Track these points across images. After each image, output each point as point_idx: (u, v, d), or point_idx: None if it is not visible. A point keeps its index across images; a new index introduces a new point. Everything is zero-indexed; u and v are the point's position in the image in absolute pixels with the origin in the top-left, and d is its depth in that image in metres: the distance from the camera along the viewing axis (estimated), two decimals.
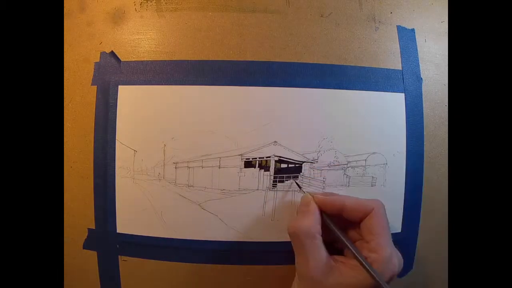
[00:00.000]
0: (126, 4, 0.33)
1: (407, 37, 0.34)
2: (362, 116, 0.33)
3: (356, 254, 0.23)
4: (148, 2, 0.33)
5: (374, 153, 0.33)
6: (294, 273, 0.33)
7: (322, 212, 0.26)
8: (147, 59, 0.32)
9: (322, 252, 0.24)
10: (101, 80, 0.33)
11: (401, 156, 0.33)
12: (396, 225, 0.33)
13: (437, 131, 0.34)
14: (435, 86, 0.34)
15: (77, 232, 0.33)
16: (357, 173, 0.32)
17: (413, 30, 0.34)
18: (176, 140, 0.32)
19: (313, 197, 0.27)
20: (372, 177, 0.33)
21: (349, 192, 0.32)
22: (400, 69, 0.33)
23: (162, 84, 0.32)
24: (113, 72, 0.32)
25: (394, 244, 0.25)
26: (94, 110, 0.33)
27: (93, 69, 0.33)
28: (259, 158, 0.32)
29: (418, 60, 0.34)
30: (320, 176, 0.32)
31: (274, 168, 0.32)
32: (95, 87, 0.33)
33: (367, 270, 0.22)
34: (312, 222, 0.25)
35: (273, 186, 0.32)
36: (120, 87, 0.32)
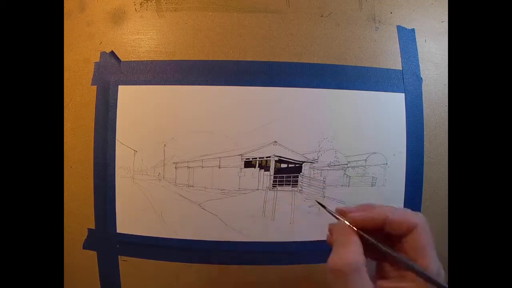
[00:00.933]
0: (126, 4, 0.33)
1: (407, 37, 0.34)
2: (362, 116, 0.33)
3: (416, 269, 0.21)
4: (148, 2, 0.33)
5: (374, 153, 0.33)
6: (294, 273, 0.33)
7: (360, 231, 0.23)
8: (147, 59, 0.32)
9: (369, 283, 0.21)
10: (101, 80, 0.33)
11: (401, 156, 0.33)
12: None
13: (437, 131, 0.34)
14: (435, 86, 0.34)
15: (77, 232, 0.33)
16: (357, 173, 0.32)
17: (413, 30, 0.34)
18: (176, 140, 0.32)
19: (345, 217, 0.23)
20: (372, 177, 0.33)
21: (349, 191, 0.32)
22: (400, 69, 0.33)
23: (162, 84, 0.32)
24: (113, 72, 0.32)
25: None
26: (94, 110, 0.33)
27: (93, 69, 0.33)
28: (259, 158, 0.32)
29: (418, 60, 0.34)
30: (320, 176, 0.32)
31: (274, 168, 0.32)
32: (95, 87, 0.33)
33: (429, 280, 0.20)
34: (356, 254, 0.21)
35: (273, 186, 0.32)
36: (120, 87, 0.32)
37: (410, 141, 0.33)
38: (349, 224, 0.23)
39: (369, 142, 0.33)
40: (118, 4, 0.33)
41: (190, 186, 0.32)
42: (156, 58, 0.32)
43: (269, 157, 0.32)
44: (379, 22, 0.33)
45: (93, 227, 0.33)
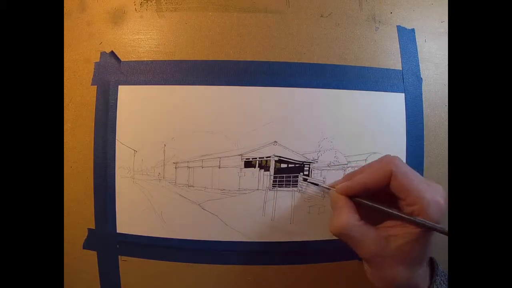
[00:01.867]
0: (126, 4, 0.33)
1: (407, 37, 0.34)
2: (362, 116, 0.33)
3: (401, 215, 0.24)
4: (148, 2, 0.33)
5: (374, 153, 0.33)
6: (294, 273, 0.34)
7: (351, 197, 0.26)
8: (147, 59, 0.32)
9: (371, 232, 0.25)
10: (101, 80, 0.33)
11: (401, 156, 0.33)
12: None
13: (437, 131, 0.34)
14: (435, 86, 0.34)
15: (77, 232, 0.33)
16: None
17: (413, 30, 0.34)
18: (176, 140, 0.32)
19: (336, 189, 0.27)
20: None
21: None
22: (400, 69, 0.33)
23: (162, 84, 0.32)
24: (113, 72, 0.32)
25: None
26: (94, 110, 0.33)
27: (93, 69, 0.33)
28: (259, 158, 0.32)
29: (418, 60, 0.34)
30: (320, 176, 0.32)
31: (274, 168, 0.32)
32: (95, 87, 0.33)
33: (416, 223, 0.23)
34: (348, 215, 0.25)
35: (273, 186, 0.32)
36: (120, 87, 0.32)
37: (410, 141, 0.33)
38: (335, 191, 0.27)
39: (369, 142, 0.33)
40: (118, 4, 0.33)
41: (190, 186, 0.32)
42: (156, 58, 0.32)
43: (269, 157, 0.32)
44: (379, 22, 0.33)
45: (93, 227, 0.33)
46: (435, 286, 0.25)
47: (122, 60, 0.33)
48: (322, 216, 0.33)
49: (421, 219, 0.23)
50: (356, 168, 0.32)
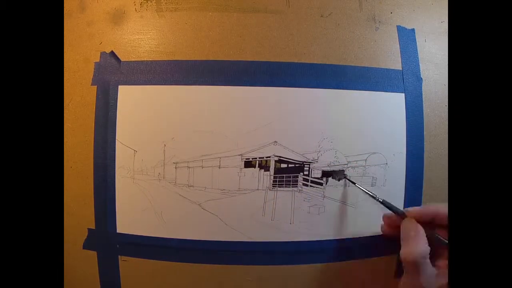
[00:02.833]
0: (126, 4, 0.33)
1: (407, 37, 0.34)
2: (362, 116, 0.33)
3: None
4: (148, 2, 0.33)
5: (374, 153, 0.33)
6: (294, 273, 0.33)
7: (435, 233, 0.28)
8: (147, 59, 0.32)
9: (432, 267, 0.26)
10: (101, 80, 0.33)
11: (401, 156, 0.33)
12: None
13: (437, 131, 0.34)
14: (435, 86, 0.34)
15: (77, 232, 0.33)
16: (357, 173, 0.32)
17: (413, 30, 0.34)
18: (176, 140, 0.32)
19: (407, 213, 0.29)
20: (372, 177, 0.33)
21: (349, 192, 0.32)
22: (400, 69, 0.33)
23: (162, 84, 0.32)
24: (113, 72, 0.32)
25: None
26: (94, 110, 0.33)
27: (93, 69, 0.33)
28: (259, 158, 0.32)
29: (418, 60, 0.34)
30: (321, 176, 0.32)
31: (274, 168, 0.32)
32: (95, 87, 0.33)
33: None
34: (424, 246, 0.26)
35: (273, 186, 0.32)
36: (120, 87, 0.32)
37: (410, 141, 0.33)
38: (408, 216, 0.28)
39: (369, 142, 0.33)
40: (118, 4, 0.33)
41: (190, 186, 0.32)
42: (156, 58, 0.32)
43: (269, 157, 0.32)
44: (379, 22, 0.33)
45: (93, 227, 0.33)
46: None
47: (122, 60, 0.33)
48: (322, 216, 0.33)
49: None
50: (357, 168, 0.32)
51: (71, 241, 0.33)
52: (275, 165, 0.32)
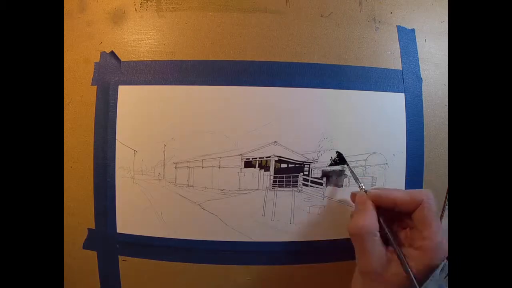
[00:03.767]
0: (126, 4, 0.33)
1: (407, 37, 0.34)
2: (362, 116, 0.33)
3: (397, 251, 0.25)
4: (148, 2, 0.33)
5: (374, 153, 0.33)
6: (293, 273, 0.33)
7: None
8: (147, 59, 0.32)
9: (381, 247, 0.25)
10: (101, 80, 0.33)
11: (401, 156, 0.33)
12: None
13: (437, 131, 0.34)
14: (435, 86, 0.34)
15: (77, 232, 0.33)
16: (357, 173, 0.32)
17: (413, 30, 0.34)
18: (176, 140, 0.32)
19: (367, 193, 0.28)
20: (372, 177, 0.33)
21: (349, 192, 0.32)
22: (400, 69, 0.33)
23: (162, 84, 0.32)
24: (113, 72, 0.32)
25: None
26: (94, 110, 0.33)
27: (93, 69, 0.33)
28: (259, 158, 0.32)
29: (418, 60, 0.34)
30: (321, 176, 0.32)
31: (274, 168, 0.32)
32: (95, 87, 0.33)
33: (405, 269, 0.24)
34: (371, 220, 0.26)
35: (273, 186, 0.32)
36: (120, 87, 0.32)
37: (410, 141, 0.33)
38: (366, 193, 0.27)
39: (369, 142, 0.33)
40: (118, 4, 0.33)
41: (190, 186, 0.32)
42: (156, 58, 0.32)
43: (269, 157, 0.32)
44: (379, 22, 0.33)
45: (93, 227, 0.33)
46: None
47: (122, 60, 0.33)
48: (322, 216, 0.33)
49: (411, 271, 0.24)
50: (357, 168, 0.32)
51: (71, 241, 0.33)
52: (275, 165, 0.32)
